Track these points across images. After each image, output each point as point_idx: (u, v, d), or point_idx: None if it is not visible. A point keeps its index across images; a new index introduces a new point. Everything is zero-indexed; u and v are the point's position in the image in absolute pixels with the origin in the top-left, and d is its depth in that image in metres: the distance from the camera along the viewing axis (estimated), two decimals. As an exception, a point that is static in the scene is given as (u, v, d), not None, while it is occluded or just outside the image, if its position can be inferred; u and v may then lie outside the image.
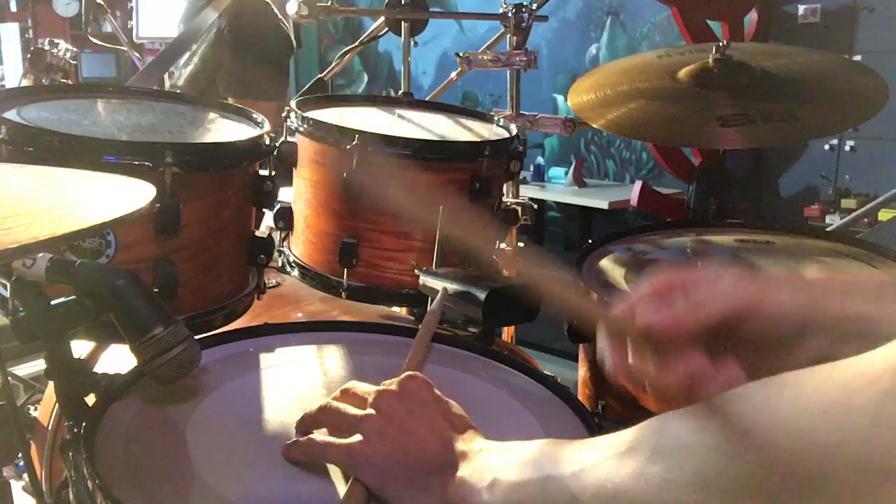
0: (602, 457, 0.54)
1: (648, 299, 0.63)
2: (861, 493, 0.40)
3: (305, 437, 0.68)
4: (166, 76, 2.73)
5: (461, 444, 0.64)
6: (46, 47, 2.59)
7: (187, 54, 2.59)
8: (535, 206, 1.61)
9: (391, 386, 0.68)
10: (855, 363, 0.43)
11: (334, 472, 0.67)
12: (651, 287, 0.64)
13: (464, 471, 0.62)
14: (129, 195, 0.64)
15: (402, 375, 0.69)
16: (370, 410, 0.66)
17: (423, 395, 0.68)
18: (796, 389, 0.45)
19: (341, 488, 0.65)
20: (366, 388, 0.70)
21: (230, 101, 1.92)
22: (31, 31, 6.84)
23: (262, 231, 1.21)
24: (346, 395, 0.71)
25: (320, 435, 0.68)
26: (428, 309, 1.01)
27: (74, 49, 2.69)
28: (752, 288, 0.62)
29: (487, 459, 0.62)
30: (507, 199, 1.57)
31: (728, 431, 0.47)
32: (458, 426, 0.66)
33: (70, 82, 2.66)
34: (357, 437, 0.65)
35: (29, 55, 2.60)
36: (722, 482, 0.46)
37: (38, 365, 2.19)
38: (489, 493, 0.59)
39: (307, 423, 0.71)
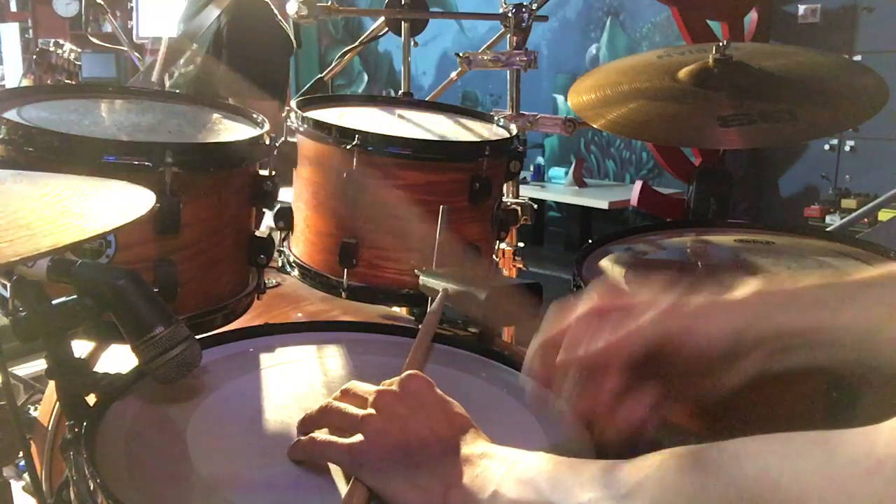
0: (603, 495, 0.54)
1: (580, 325, 0.65)
2: None
3: (307, 437, 0.68)
4: (166, 76, 2.73)
5: (463, 447, 0.64)
6: (51, 48, 2.60)
7: (188, 54, 2.59)
8: (535, 206, 1.61)
9: (392, 386, 0.68)
10: (857, 441, 0.43)
11: (336, 472, 0.67)
12: (583, 312, 0.66)
13: (465, 476, 0.62)
14: (130, 202, 0.65)
15: (403, 375, 0.69)
16: (371, 410, 0.66)
17: (424, 394, 0.68)
18: (798, 463, 0.45)
19: (343, 488, 0.65)
20: (366, 388, 0.70)
21: (230, 101, 1.92)
22: (31, 31, 6.85)
23: (262, 231, 1.21)
24: (347, 396, 0.71)
25: (322, 434, 0.68)
26: (428, 309, 1.01)
27: (78, 50, 2.69)
28: (677, 321, 0.63)
29: (489, 467, 0.62)
30: (507, 199, 1.57)
31: (728, 495, 0.47)
32: (459, 426, 0.66)
33: (73, 83, 2.66)
34: (358, 437, 0.65)
35: (34, 56, 2.60)
36: None
37: (38, 365, 2.19)
38: None
39: (308, 423, 0.71)
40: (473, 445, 0.64)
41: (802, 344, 0.63)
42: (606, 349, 0.63)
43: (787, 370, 0.65)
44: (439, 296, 1.02)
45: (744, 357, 0.63)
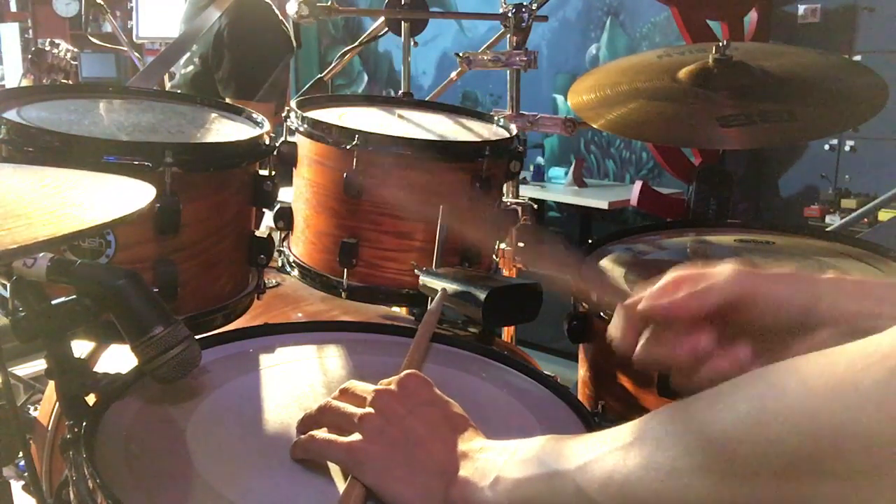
0: (607, 449, 0.54)
1: (662, 285, 0.69)
2: (872, 473, 0.40)
3: (306, 436, 0.68)
4: (166, 76, 2.73)
5: (461, 444, 0.64)
6: (48, 48, 2.60)
7: (187, 54, 2.59)
8: (535, 206, 1.61)
9: (390, 385, 0.68)
10: (863, 344, 0.43)
11: (335, 471, 0.67)
12: (664, 281, 0.69)
13: (465, 470, 0.62)
14: (129, 195, 0.64)
15: (401, 374, 0.69)
16: (369, 409, 0.66)
17: (422, 393, 0.68)
18: (804, 372, 0.45)
19: (342, 487, 0.65)
20: (365, 388, 0.70)
21: (229, 101, 1.92)
22: (31, 31, 6.85)
23: (262, 231, 1.21)
24: (346, 395, 0.71)
25: (321, 433, 0.68)
26: (428, 309, 1.01)
27: (75, 49, 2.69)
28: (749, 280, 0.66)
29: (489, 458, 0.62)
30: (507, 199, 1.57)
31: (735, 416, 0.47)
32: (457, 425, 0.66)
33: (71, 83, 2.66)
34: (356, 436, 0.65)
35: (30, 55, 2.60)
36: (731, 467, 0.46)
37: (38, 365, 2.19)
38: (492, 491, 0.59)
39: (308, 423, 0.71)
40: (471, 442, 0.64)
41: (867, 330, 0.64)
42: (689, 297, 0.66)
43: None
44: (438, 295, 1.02)
45: (812, 333, 0.64)
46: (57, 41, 2.67)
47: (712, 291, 0.66)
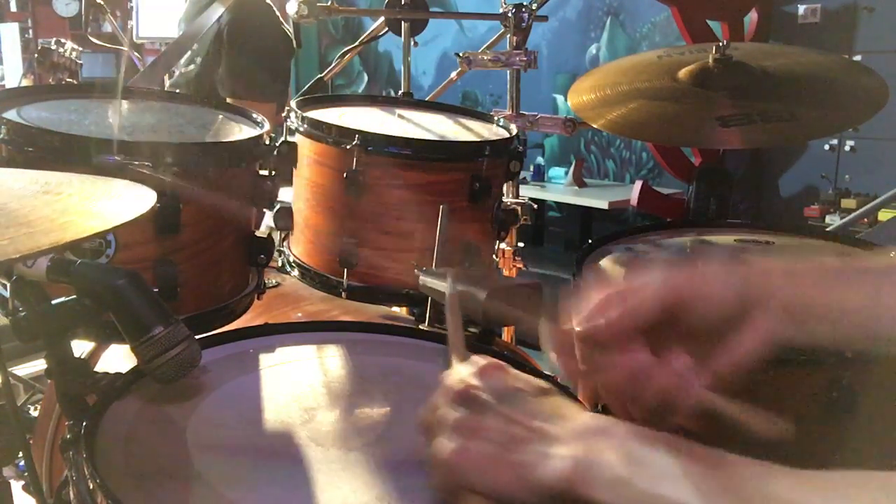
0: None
1: (594, 303, 0.66)
2: None
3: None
4: (166, 76, 2.73)
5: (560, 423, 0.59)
6: (53, 47, 2.60)
7: (188, 54, 2.59)
8: (535, 206, 1.61)
9: (469, 380, 0.64)
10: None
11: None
12: (591, 302, 0.66)
13: (574, 449, 0.55)
14: (130, 201, 0.65)
15: (479, 365, 0.66)
16: (457, 413, 0.61)
17: (503, 380, 0.64)
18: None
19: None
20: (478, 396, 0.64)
21: (229, 101, 1.92)
22: (31, 31, 6.85)
23: (262, 231, 1.21)
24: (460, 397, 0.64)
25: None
26: (447, 296, 0.98)
27: (80, 49, 2.69)
28: (682, 281, 0.64)
29: (599, 443, 0.56)
30: (507, 199, 1.57)
31: None
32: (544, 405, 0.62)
33: (75, 82, 2.67)
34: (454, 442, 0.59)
35: (36, 55, 2.61)
36: None
37: (38, 365, 2.19)
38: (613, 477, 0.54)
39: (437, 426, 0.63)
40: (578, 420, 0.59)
41: (808, 316, 0.63)
42: (623, 314, 0.63)
43: (788, 368, 0.65)
44: (449, 279, 0.96)
45: (746, 319, 0.63)
46: (62, 41, 2.67)
47: (645, 304, 0.63)
